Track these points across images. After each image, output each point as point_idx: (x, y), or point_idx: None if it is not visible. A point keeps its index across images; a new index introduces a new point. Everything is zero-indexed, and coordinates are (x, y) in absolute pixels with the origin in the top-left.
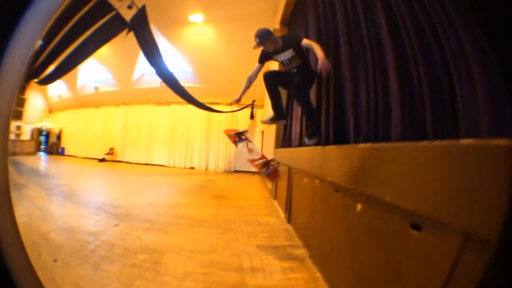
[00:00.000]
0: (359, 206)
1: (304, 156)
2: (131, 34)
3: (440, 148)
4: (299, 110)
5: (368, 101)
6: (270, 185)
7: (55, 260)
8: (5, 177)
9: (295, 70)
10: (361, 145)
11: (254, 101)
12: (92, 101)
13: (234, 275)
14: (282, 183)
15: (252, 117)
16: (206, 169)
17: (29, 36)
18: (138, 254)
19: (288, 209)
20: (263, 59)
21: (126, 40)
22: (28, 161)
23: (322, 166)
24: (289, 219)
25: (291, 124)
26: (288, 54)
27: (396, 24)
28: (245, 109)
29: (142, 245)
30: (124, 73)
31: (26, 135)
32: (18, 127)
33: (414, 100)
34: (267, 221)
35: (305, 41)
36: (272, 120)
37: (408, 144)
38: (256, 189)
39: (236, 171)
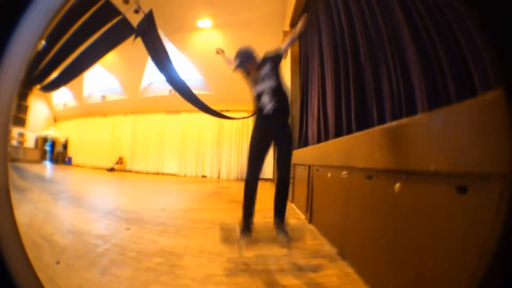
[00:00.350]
0: (397, 187)
1: (328, 150)
2: (139, 39)
3: (470, 106)
4: (315, 108)
5: (391, 84)
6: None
7: (58, 262)
8: (5, 177)
9: (273, 104)
10: (395, 123)
11: None
12: (100, 110)
13: (261, 275)
14: (301, 185)
15: None
16: (218, 177)
17: (28, 37)
18: (153, 257)
19: (309, 209)
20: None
21: (133, 46)
22: (32, 168)
23: (350, 155)
24: (310, 220)
25: (306, 123)
26: (265, 70)
27: (411, 15)
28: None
29: (158, 248)
30: (131, 81)
31: (30, 143)
32: (21, 134)
33: (433, 75)
34: (289, 222)
35: (283, 47)
36: (245, 233)
37: (440, 112)
38: (271, 195)
39: None
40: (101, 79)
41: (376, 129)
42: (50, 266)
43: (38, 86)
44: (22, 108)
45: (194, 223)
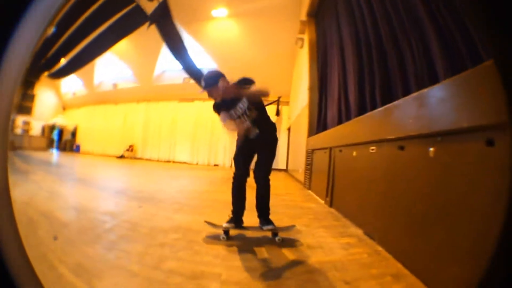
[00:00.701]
0: (432, 151)
1: (353, 128)
2: (153, 27)
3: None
4: (335, 92)
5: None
6: (302, 178)
7: (55, 238)
8: (4, 176)
9: (256, 132)
10: (426, 90)
11: (279, 97)
12: (111, 97)
13: (290, 253)
14: (320, 171)
15: (278, 113)
16: (231, 166)
17: (35, 24)
18: (169, 233)
19: (330, 193)
20: (217, 109)
21: (146, 34)
22: (38, 155)
23: (379, 129)
24: (331, 203)
25: (325, 107)
26: (242, 105)
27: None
28: (271, 106)
29: (174, 225)
30: (144, 69)
31: (36, 131)
32: (26, 123)
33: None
34: (308, 206)
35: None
36: (231, 225)
37: (466, 73)
38: (286, 182)
39: None
40: (112, 67)
41: (406, 98)
42: (44, 242)
43: (46, 74)
44: (28, 97)
45: (211, 202)
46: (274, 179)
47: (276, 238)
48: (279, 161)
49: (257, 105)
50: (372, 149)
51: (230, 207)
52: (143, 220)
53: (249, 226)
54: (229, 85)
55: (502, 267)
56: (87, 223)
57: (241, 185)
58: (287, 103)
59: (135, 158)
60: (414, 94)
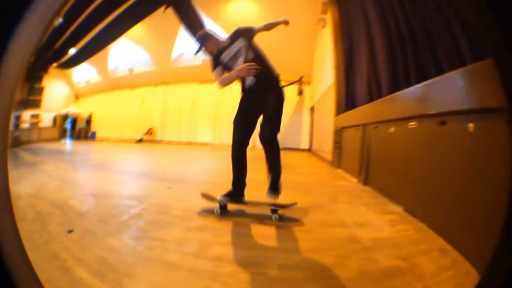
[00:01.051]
0: (471, 126)
1: (389, 104)
2: (169, 10)
3: None
4: (364, 70)
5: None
6: (328, 157)
7: (70, 231)
8: (4, 176)
9: (254, 79)
10: (470, 66)
11: (301, 77)
12: (127, 82)
13: (341, 230)
14: (351, 148)
15: (300, 93)
16: (254, 147)
17: (38, 18)
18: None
19: (364, 171)
20: (215, 64)
21: (162, 17)
22: (50, 146)
23: (421, 104)
24: (365, 182)
25: (353, 85)
26: (237, 45)
27: None
28: (293, 86)
29: (211, 205)
30: (161, 52)
31: (46, 123)
32: (35, 116)
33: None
34: (342, 184)
35: (256, 27)
36: (227, 198)
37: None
38: (312, 161)
39: (285, 148)
40: (127, 52)
41: (448, 75)
42: (56, 238)
43: (54, 65)
44: (36, 91)
45: (247, 180)
46: (299, 158)
47: (273, 216)
48: (302, 141)
49: (254, 48)
50: (412, 125)
51: (264, 185)
52: (175, 201)
53: (256, 201)
54: (215, 38)
55: (502, 267)
56: (109, 210)
57: (240, 154)
58: (309, 83)
59: (155, 142)
60: (455, 71)
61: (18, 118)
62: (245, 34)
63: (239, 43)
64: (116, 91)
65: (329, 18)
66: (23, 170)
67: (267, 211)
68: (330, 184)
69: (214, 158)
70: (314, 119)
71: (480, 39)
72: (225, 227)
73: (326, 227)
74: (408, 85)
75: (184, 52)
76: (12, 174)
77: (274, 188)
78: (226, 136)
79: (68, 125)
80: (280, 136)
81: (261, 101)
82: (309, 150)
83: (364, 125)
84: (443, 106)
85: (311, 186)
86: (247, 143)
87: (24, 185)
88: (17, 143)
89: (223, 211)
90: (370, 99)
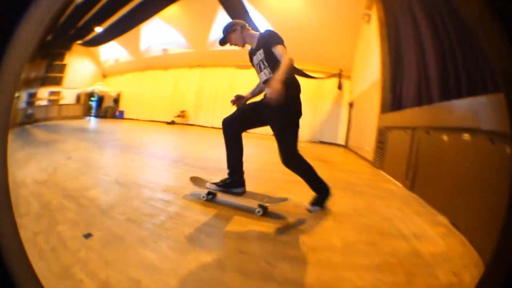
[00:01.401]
0: None
1: (444, 110)
2: None
3: None
4: (412, 72)
5: None
6: (368, 155)
7: (88, 235)
8: (4, 175)
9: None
10: None
11: (341, 70)
12: (160, 63)
13: (403, 244)
14: (397, 151)
15: (340, 87)
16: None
17: (39, 16)
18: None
19: (411, 176)
20: (251, 62)
21: None
22: (70, 123)
23: (474, 117)
24: (412, 187)
25: (400, 85)
26: (259, 56)
27: None
28: (332, 79)
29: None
30: (198, 34)
31: (68, 100)
32: (54, 93)
33: None
34: (388, 187)
35: (278, 48)
36: (220, 187)
37: None
38: (350, 159)
39: (321, 142)
40: (161, 32)
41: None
42: (68, 244)
43: (78, 42)
44: (56, 67)
45: (293, 176)
46: (337, 154)
47: (256, 210)
48: (338, 135)
49: (272, 63)
50: (465, 137)
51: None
52: (225, 196)
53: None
54: (244, 32)
55: (502, 267)
56: (140, 206)
57: (227, 133)
58: (348, 77)
59: (187, 125)
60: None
61: (32, 95)
62: (265, 45)
63: (260, 55)
64: (148, 71)
65: (374, 13)
66: (33, 149)
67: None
68: (377, 186)
69: (253, 146)
70: (352, 115)
71: None
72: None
73: (388, 237)
74: (459, 92)
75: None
76: (19, 155)
77: (318, 201)
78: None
79: (93, 103)
80: (317, 129)
81: (267, 109)
82: (344, 146)
83: (415, 128)
84: (491, 124)
85: (361, 187)
86: (232, 123)
87: (31, 169)
88: (31, 120)
89: (209, 198)
90: (419, 101)
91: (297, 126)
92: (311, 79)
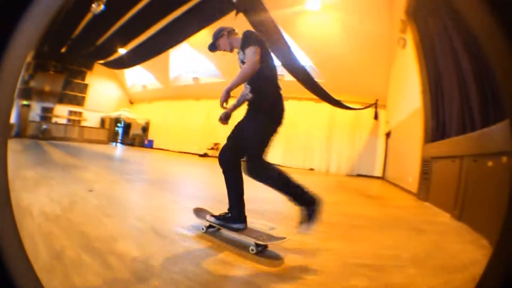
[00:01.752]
0: None
1: (490, 137)
2: (241, 15)
3: None
4: (454, 97)
5: None
6: (411, 187)
7: None
8: (4, 174)
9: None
10: None
11: (377, 100)
12: (191, 93)
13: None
14: (443, 181)
15: (376, 117)
16: (327, 171)
17: (38, 16)
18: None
19: (459, 206)
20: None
21: (232, 24)
22: (93, 147)
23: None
24: (460, 217)
25: (443, 113)
26: (239, 58)
27: None
28: (368, 109)
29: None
30: (230, 64)
31: (92, 123)
32: (75, 113)
33: None
34: (442, 220)
35: (247, 51)
36: (219, 220)
37: None
38: (393, 192)
39: (359, 175)
40: (191, 59)
41: None
42: None
43: (100, 62)
44: (76, 86)
45: (350, 218)
46: (377, 187)
47: (250, 248)
48: (375, 167)
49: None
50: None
51: (377, 229)
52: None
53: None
54: (231, 37)
55: (502, 267)
56: (190, 269)
57: (223, 167)
58: (383, 106)
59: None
60: None
61: (47, 110)
62: (242, 47)
63: (240, 58)
64: (178, 100)
65: (409, 37)
66: (46, 171)
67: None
68: (433, 222)
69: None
70: (390, 145)
71: None
72: None
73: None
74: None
75: None
76: (27, 173)
77: (303, 220)
78: (299, 159)
79: (119, 129)
80: (354, 162)
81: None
82: (381, 178)
83: (463, 157)
84: None
85: (419, 225)
86: (223, 157)
87: (41, 196)
88: (46, 136)
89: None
90: (464, 128)
91: (265, 135)
92: (348, 110)
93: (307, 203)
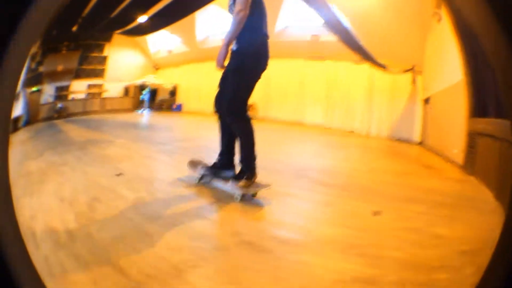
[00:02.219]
0: None
1: None
2: None
3: None
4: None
5: None
6: (456, 158)
7: None
8: (5, 172)
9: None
10: None
11: (414, 65)
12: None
13: None
14: (492, 160)
15: (413, 82)
16: (367, 135)
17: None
18: None
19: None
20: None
21: None
22: (118, 117)
23: None
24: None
25: (483, 89)
26: (229, 2)
27: None
28: (406, 74)
29: None
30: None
31: (114, 93)
32: (93, 86)
33: None
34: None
35: None
36: (209, 170)
37: None
38: (436, 160)
39: (398, 139)
40: (219, 20)
41: None
42: None
43: (117, 31)
44: (92, 60)
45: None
46: (424, 155)
47: (236, 195)
48: (413, 132)
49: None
50: None
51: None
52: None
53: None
54: None
55: (502, 267)
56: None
57: (217, 113)
58: (419, 72)
59: (256, 118)
60: None
61: (62, 88)
62: None
63: (229, 3)
64: (207, 62)
65: (443, 12)
66: (57, 156)
67: None
68: (484, 200)
69: (345, 148)
70: (429, 113)
71: None
72: None
73: None
74: None
75: (289, 25)
76: (30, 165)
77: (236, 177)
78: (339, 120)
79: (145, 96)
80: (393, 126)
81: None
82: (420, 143)
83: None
84: None
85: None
86: (217, 109)
87: (47, 197)
88: (63, 114)
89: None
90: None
91: (250, 84)
92: (387, 72)
93: (248, 168)
